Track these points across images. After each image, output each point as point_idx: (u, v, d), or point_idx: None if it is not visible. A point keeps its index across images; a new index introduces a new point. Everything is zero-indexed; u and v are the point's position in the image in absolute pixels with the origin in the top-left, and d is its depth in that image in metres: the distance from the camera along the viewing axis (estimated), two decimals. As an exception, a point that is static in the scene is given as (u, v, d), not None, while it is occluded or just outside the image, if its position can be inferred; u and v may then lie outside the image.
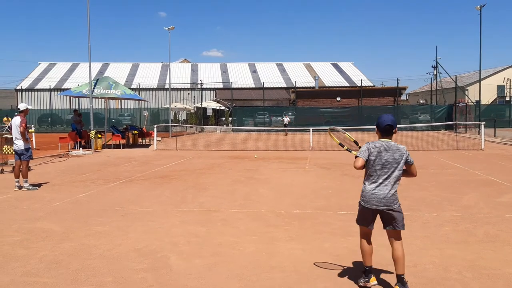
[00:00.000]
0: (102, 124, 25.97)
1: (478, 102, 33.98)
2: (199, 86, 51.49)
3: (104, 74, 51.09)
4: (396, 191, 4.10)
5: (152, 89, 54.25)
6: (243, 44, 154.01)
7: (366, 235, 4.27)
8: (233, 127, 38.74)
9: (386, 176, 4.05)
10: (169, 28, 32.32)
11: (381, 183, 4.05)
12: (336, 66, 65.39)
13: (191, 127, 39.17)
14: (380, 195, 4.03)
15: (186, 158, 16.64)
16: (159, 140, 24.00)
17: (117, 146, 21.47)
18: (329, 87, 52.69)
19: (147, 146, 22.94)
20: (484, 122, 21.34)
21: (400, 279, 4.03)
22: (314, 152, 18.35)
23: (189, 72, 62.65)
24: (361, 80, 47.49)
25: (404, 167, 4.15)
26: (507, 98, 56.95)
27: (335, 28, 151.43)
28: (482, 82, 34.56)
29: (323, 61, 67.87)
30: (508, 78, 57.91)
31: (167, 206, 8.05)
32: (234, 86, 51.35)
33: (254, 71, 63.07)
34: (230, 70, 63.85)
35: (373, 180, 4.09)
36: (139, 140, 24.43)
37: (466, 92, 45.90)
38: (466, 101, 37.63)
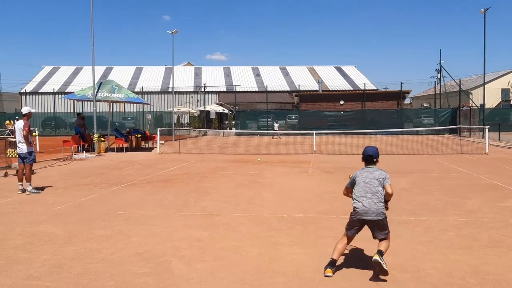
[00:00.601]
0: (106, 128, 26.06)
1: (482, 106, 33.90)
2: (202, 90, 51.58)
3: (108, 78, 51.25)
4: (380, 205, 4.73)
5: (156, 93, 54.38)
6: (246, 48, 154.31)
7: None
8: (236, 131, 38.74)
9: (369, 193, 4.74)
10: (172, 32, 32.42)
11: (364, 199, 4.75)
12: (339, 70, 65.38)
13: (194, 130, 39.22)
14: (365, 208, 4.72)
15: (189, 161, 16.64)
16: (162, 144, 24.02)
17: (120, 150, 21.50)
18: (332, 90, 52.68)
19: (150, 149, 22.97)
20: (489, 126, 21.23)
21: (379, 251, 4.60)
22: (317, 156, 18.33)
23: (192, 75, 62.76)
24: (365, 84, 47.50)
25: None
26: None
27: (338, 32, 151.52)
28: (486, 85, 34.44)
29: (327, 65, 67.90)
30: (512, 82, 57.68)
31: (170, 210, 8.04)
32: (237, 89, 51.43)
33: (257, 75, 63.13)
34: (234, 73, 63.92)
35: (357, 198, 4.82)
36: (142, 143, 24.47)
37: (470, 96, 45.81)
38: (470, 105, 37.54)
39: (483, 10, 30.51)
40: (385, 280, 4.50)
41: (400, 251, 5.47)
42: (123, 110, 48.72)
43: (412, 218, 7.25)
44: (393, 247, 5.58)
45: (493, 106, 49.48)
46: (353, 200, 4.89)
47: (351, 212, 4.87)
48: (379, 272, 4.51)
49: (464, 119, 35.36)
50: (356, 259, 5.21)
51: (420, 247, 5.67)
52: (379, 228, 4.71)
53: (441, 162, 15.53)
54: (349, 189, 5.06)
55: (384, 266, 4.52)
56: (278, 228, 6.66)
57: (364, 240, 5.98)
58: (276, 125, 34.58)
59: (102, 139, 20.78)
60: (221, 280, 4.55)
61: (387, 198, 4.86)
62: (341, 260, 5.15)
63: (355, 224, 4.80)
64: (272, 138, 33.31)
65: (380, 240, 4.73)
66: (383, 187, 4.81)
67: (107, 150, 21.28)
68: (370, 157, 4.98)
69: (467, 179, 11.64)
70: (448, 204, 8.35)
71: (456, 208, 7.99)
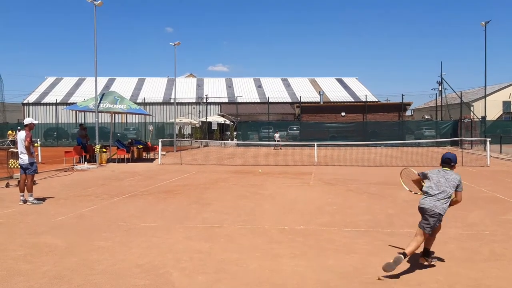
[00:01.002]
0: (108, 138, 26.11)
1: (484, 118, 33.92)
2: (204, 101, 51.75)
3: (110, 89, 51.49)
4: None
5: (158, 104, 54.56)
6: (248, 59, 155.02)
7: None
8: (238, 142, 38.77)
9: (436, 190, 5.33)
10: (175, 44, 32.64)
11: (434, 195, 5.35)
12: (340, 82, 65.59)
13: (196, 141, 39.27)
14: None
15: (191, 172, 16.65)
16: (164, 155, 24.04)
17: (121, 161, 21.53)
18: (333, 102, 52.80)
19: (151, 160, 22.99)
20: (490, 138, 21.22)
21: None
22: (319, 167, 18.32)
23: (194, 86, 63.01)
24: (366, 96, 47.63)
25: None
26: (513, 114, 56.71)
27: (340, 44, 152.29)
28: (487, 98, 34.51)
29: (328, 76, 68.15)
30: (514, 94, 57.75)
31: (171, 221, 8.03)
32: (239, 100, 51.55)
33: (259, 86, 63.35)
34: (236, 85, 64.15)
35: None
36: (144, 154, 24.49)
37: (471, 108, 45.84)
38: (471, 117, 37.55)
39: (483, 23, 30.69)
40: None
41: (402, 264, 5.44)
42: (125, 121, 48.85)
43: (414, 230, 7.20)
44: (394, 260, 5.59)
45: (495, 119, 49.45)
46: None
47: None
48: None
49: (466, 131, 35.35)
50: (359, 271, 5.19)
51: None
52: (427, 218, 5.24)
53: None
54: (418, 179, 5.68)
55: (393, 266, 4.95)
56: (279, 240, 6.64)
57: (367, 253, 5.97)
58: (277, 135, 34.75)
59: (104, 150, 20.81)
60: (221, 293, 4.53)
61: (454, 203, 5.43)
62: (345, 273, 5.15)
63: (420, 214, 5.42)
64: (274, 149, 33.41)
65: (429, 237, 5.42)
66: (455, 191, 5.36)
67: (109, 161, 21.30)
68: (448, 160, 5.55)
69: (469, 191, 11.60)
70: (449, 217, 8.28)
71: (457, 221, 7.97)
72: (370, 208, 9.25)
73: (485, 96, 32.89)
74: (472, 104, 51.72)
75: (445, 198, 5.27)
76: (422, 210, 5.36)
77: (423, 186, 5.56)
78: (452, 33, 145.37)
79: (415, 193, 5.85)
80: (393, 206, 9.49)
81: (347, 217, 8.34)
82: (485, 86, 31.88)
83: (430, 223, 5.22)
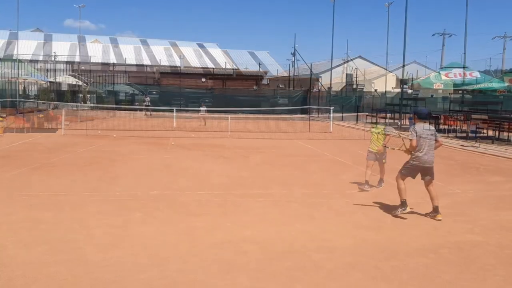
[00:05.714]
0: None
1: (330, 88, 37.02)
2: (53, 59, 47.16)
3: None
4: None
5: (-5, 60, 48.15)
6: (104, 18, 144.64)
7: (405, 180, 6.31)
8: (92, 105, 36.37)
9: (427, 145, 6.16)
10: (16, -8, 28.88)
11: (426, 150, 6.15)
12: (202, 47, 65.38)
13: (44, 103, 35.81)
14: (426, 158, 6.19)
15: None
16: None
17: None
18: (194, 67, 52.51)
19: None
20: (333, 107, 23.25)
21: (435, 208, 6.16)
22: (176, 133, 18.17)
23: (42, 42, 56.97)
24: (226, 63, 48.32)
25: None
26: (354, 86, 62.98)
27: (201, 10, 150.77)
28: (333, 70, 37.64)
29: (189, 41, 67.32)
30: (355, 68, 63.99)
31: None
32: (93, 60, 48.13)
33: (115, 47, 59.88)
34: (89, 44, 59.67)
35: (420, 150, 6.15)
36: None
37: (319, 79, 49.59)
38: (319, 88, 40.68)
39: (387, 4, 33.18)
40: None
41: (250, 225, 5.73)
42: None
43: (261, 191, 7.64)
44: (244, 221, 5.86)
45: (339, 89, 54.37)
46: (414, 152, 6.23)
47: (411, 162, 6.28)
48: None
49: (314, 100, 38.21)
50: (208, 231, 5.30)
51: (269, 219, 6.00)
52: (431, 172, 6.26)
53: (292, 140, 16.60)
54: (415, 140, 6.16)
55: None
56: (130, 207, 6.43)
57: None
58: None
59: None
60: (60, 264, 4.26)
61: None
62: (195, 234, 5.21)
63: (414, 170, 6.30)
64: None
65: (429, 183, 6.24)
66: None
67: None
68: (428, 116, 6.91)
69: (314, 155, 12.66)
70: (295, 178, 8.98)
71: (302, 182, 8.63)
72: (225, 171, 9.51)
73: (331, 69, 35.90)
74: (321, 75, 56.00)
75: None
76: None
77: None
78: (306, 7, 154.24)
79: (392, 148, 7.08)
80: (246, 169, 9.89)
81: (203, 181, 8.46)
82: (332, 59, 34.74)
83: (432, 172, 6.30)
